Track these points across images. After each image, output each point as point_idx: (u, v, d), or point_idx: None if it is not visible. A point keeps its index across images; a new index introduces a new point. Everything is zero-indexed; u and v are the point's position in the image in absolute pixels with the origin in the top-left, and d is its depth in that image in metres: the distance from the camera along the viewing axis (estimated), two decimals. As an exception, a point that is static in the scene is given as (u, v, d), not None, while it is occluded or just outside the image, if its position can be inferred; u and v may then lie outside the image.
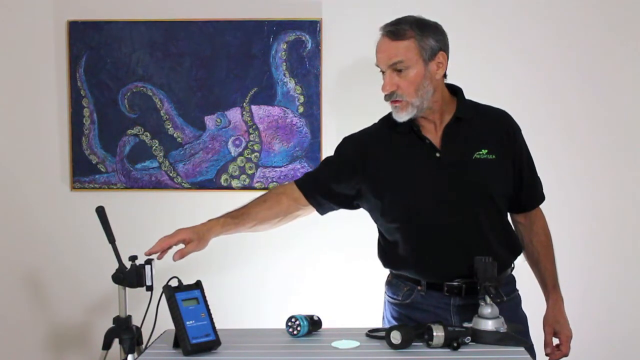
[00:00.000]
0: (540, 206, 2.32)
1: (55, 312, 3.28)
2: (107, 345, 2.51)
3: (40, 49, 3.20)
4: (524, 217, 2.30)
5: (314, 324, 2.06)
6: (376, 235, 2.33)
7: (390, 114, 2.21)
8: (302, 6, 3.12)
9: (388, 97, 2.11)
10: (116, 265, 2.44)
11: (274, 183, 3.16)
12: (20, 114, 3.24)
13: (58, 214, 3.25)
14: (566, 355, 2.25)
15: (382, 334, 1.95)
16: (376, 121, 2.31)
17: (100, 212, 2.46)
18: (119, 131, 3.19)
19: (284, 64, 3.13)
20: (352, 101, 3.15)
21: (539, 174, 2.30)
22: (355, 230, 3.19)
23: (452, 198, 2.11)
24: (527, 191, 2.24)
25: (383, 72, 2.12)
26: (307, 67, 3.13)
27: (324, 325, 2.09)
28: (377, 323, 2.29)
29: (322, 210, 2.29)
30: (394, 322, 2.23)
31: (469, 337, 1.90)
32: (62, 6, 3.17)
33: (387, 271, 2.39)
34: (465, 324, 1.99)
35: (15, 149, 3.25)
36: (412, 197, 2.14)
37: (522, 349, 1.89)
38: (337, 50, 3.13)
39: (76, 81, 3.18)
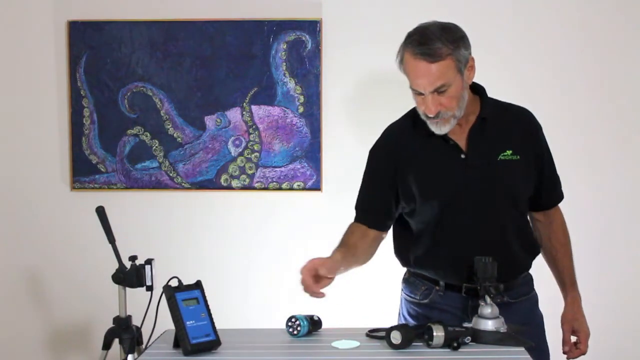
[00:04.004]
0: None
1: (55, 312, 3.28)
2: (107, 345, 2.51)
3: (40, 49, 3.20)
4: (543, 215, 2.28)
5: (314, 324, 2.06)
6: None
7: (409, 114, 2.22)
8: (302, 6, 3.12)
9: (431, 117, 2.05)
10: (116, 265, 2.44)
11: (274, 183, 3.16)
12: (20, 114, 3.24)
13: (58, 214, 3.25)
14: (584, 353, 2.23)
15: (382, 334, 1.95)
16: (397, 119, 2.29)
17: (100, 212, 2.46)
18: (119, 131, 3.19)
19: (284, 64, 3.13)
20: (352, 101, 3.15)
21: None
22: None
23: (476, 199, 2.10)
24: (547, 190, 2.24)
25: (418, 93, 2.06)
26: (307, 67, 3.13)
27: (324, 325, 2.09)
28: (377, 323, 2.28)
29: (387, 230, 2.29)
30: (411, 320, 2.23)
31: (469, 337, 1.90)
32: (62, 6, 3.17)
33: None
34: (465, 324, 1.99)
35: (15, 149, 3.25)
36: (437, 199, 2.13)
37: (522, 349, 1.89)
38: (337, 50, 3.13)
39: (76, 81, 3.18)
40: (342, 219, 3.13)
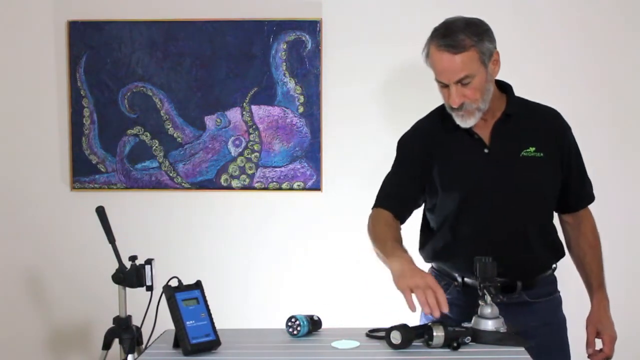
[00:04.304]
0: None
1: (55, 312, 3.28)
2: (107, 345, 2.51)
3: (40, 49, 3.20)
4: (572, 217, 2.28)
5: (314, 324, 2.06)
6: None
7: (436, 111, 2.23)
8: (302, 6, 3.12)
9: (456, 109, 2.07)
10: (116, 265, 2.44)
11: (274, 183, 3.16)
12: (21, 114, 3.24)
13: (58, 214, 3.25)
14: (609, 357, 2.21)
15: (382, 334, 1.95)
16: (425, 115, 2.30)
17: (100, 212, 2.46)
18: (119, 131, 3.19)
19: (284, 64, 3.13)
20: (352, 101, 3.15)
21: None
22: (355, 230, 3.19)
23: (496, 194, 2.12)
24: (576, 191, 2.24)
25: (443, 85, 2.08)
26: (307, 67, 3.13)
27: (324, 325, 2.09)
28: (377, 323, 2.29)
29: (402, 221, 2.25)
30: (432, 318, 2.22)
31: (469, 337, 1.90)
32: (62, 6, 3.17)
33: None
34: (465, 324, 1.99)
35: (15, 149, 3.25)
36: (458, 191, 2.15)
37: (522, 349, 1.89)
38: (337, 50, 3.13)
39: (76, 81, 3.18)
40: (342, 219, 3.16)
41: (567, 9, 3.11)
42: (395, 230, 2.14)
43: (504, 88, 2.20)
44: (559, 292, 2.27)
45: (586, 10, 3.11)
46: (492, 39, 2.08)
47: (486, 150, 2.13)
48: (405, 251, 2.03)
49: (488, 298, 1.95)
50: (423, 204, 2.29)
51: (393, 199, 2.20)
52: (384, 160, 3.13)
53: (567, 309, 2.29)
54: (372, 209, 2.23)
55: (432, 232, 2.26)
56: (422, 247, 2.30)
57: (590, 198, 2.29)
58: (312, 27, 3.11)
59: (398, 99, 3.14)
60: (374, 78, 3.15)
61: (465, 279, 2.17)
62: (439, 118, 2.20)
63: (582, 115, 3.12)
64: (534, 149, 2.13)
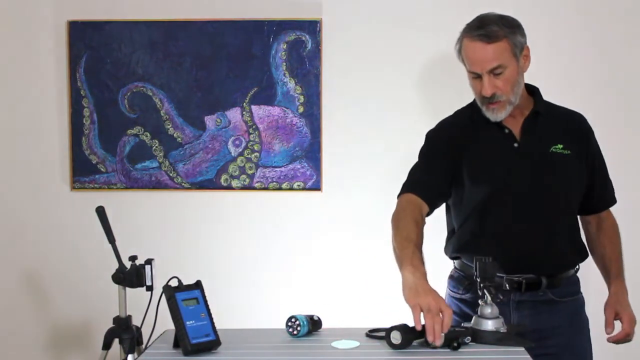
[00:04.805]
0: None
1: (55, 312, 3.28)
2: (107, 345, 2.51)
3: (40, 49, 3.20)
4: (594, 218, 2.32)
5: (314, 324, 2.05)
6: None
7: (464, 108, 2.27)
8: (302, 6, 3.12)
9: (487, 100, 2.10)
10: (116, 265, 2.44)
11: (274, 183, 3.16)
12: (20, 114, 3.24)
13: (58, 214, 3.25)
14: (629, 335, 2.21)
15: (382, 334, 1.95)
16: (451, 114, 2.33)
17: (100, 212, 2.46)
18: (119, 131, 3.19)
19: (284, 64, 3.13)
20: (352, 101, 3.15)
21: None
22: (356, 230, 3.19)
23: (524, 188, 2.14)
24: (599, 192, 2.27)
25: (475, 76, 2.11)
26: (307, 67, 3.13)
27: (324, 325, 2.09)
28: (377, 323, 2.29)
29: (432, 208, 2.23)
30: (455, 318, 2.20)
31: (469, 337, 1.90)
32: (62, 6, 3.17)
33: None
34: (465, 324, 1.99)
35: (15, 149, 3.25)
36: (486, 183, 2.16)
37: (522, 349, 1.89)
38: (337, 50, 3.13)
39: (76, 81, 3.18)
40: (342, 219, 3.16)
41: (567, 9, 3.11)
42: (420, 230, 2.07)
43: (531, 90, 2.24)
44: (582, 293, 2.28)
45: (588, 11, 3.11)
46: (523, 34, 2.13)
47: (516, 145, 2.16)
48: (423, 263, 1.97)
49: (488, 298, 1.95)
50: (449, 199, 2.28)
51: (423, 185, 2.18)
52: (385, 160, 3.15)
53: (587, 311, 2.30)
54: (399, 195, 2.19)
55: (457, 227, 2.27)
56: (447, 242, 2.31)
57: (613, 200, 2.33)
58: (312, 27, 3.11)
59: (398, 99, 3.14)
60: (374, 78, 3.15)
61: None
62: (469, 113, 2.24)
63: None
64: (561, 146, 2.17)
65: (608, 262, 2.30)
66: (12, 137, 3.25)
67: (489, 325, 1.94)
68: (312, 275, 3.21)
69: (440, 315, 1.82)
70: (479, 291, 1.97)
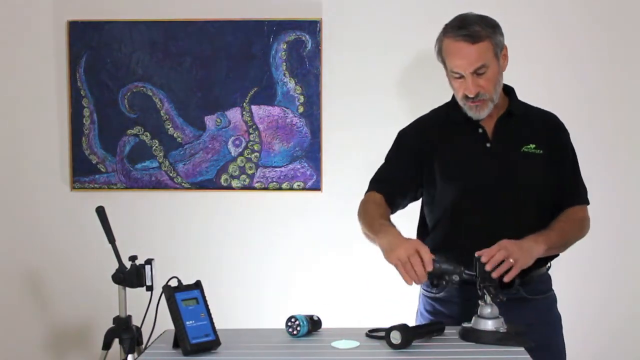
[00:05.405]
0: None
1: (55, 312, 3.29)
2: (107, 345, 2.51)
3: (40, 49, 3.20)
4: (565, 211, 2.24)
5: (314, 324, 2.06)
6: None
7: (441, 107, 2.30)
8: (302, 6, 3.12)
9: (470, 99, 2.12)
10: (116, 265, 2.44)
11: (274, 183, 3.16)
12: (21, 114, 3.24)
13: (58, 214, 3.26)
14: (493, 254, 1.99)
15: (382, 334, 1.95)
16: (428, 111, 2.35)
17: (100, 212, 2.46)
18: (119, 131, 3.19)
19: (284, 64, 3.13)
20: (352, 101, 3.15)
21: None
22: (355, 230, 3.19)
23: (496, 187, 2.15)
24: (571, 193, 2.26)
25: (458, 76, 2.13)
26: (307, 67, 3.13)
27: (324, 325, 2.09)
28: (377, 323, 2.29)
29: (395, 210, 2.27)
30: (428, 316, 2.26)
31: (456, 276, 1.92)
32: (62, 6, 3.18)
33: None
34: (465, 324, 1.99)
35: (15, 149, 3.25)
36: (458, 182, 2.18)
37: (522, 349, 1.89)
38: (337, 50, 3.13)
39: (76, 81, 3.18)
40: (342, 219, 3.15)
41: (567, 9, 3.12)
42: (385, 210, 2.18)
43: (506, 90, 2.26)
44: (553, 290, 2.29)
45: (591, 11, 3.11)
46: (502, 33, 2.15)
47: (488, 144, 2.19)
48: (394, 226, 2.07)
49: (488, 298, 1.95)
50: (420, 199, 2.31)
51: (384, 183, 2.26)
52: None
53: (559, 308, 2.31)
54: (365, 193, 2.29)
55: (430, 227, 2.28)
56: (422, 240, 2.30)
57: (585, 200, 2.29)
58: (312, 27, 3.11)
59: (398, 98, 3.13)
60: (374, 78, 3.15)
61: (463, 274, 2.17)
62: (445, 112, 2.27)
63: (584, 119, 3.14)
64: (534, 146, 2.18)
65: (550, 226, 2.17)
66: (12, 137, 3.25)
67: (489, 325, 1.94)
68: (312, 275, 3.21)
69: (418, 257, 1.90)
70: (478, 291, 1.97)
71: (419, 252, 1.92)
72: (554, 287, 2.30)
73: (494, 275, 1.98)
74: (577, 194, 2.29)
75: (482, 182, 2.17)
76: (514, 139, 2.19)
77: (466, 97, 2.13)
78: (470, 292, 2.13)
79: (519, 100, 2.27)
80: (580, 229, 2.27)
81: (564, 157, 2.25)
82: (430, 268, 1.91)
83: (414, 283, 1.94)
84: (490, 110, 2.16)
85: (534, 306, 2.16)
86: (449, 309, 2.21)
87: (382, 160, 2.34)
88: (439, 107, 2.33)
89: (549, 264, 2.27)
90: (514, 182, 2.16)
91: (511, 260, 1.97)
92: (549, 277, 2.29)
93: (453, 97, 2.27)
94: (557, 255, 2.27)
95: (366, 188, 2.33)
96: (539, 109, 2.31)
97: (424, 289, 2.32)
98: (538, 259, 2.18)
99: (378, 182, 2.27)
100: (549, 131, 2.24)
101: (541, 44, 3.10)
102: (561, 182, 2.23)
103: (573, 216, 2.25)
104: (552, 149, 2.20)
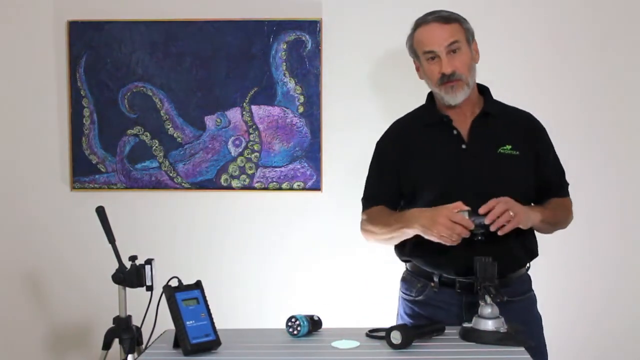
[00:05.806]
0: None
1: (55, 312, 3.28)
2: (107, 345, 2.51)
3: (40, 49, 3.20)
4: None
5: (314, 324, 2.06)
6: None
7: (416, 110, 2.34)
8: (302, 6, 3.12)
9: (446, 78, 2.15)
10: (116, 265, 2.44)
11: (274, 183, 3.16)
12: (21, 114, 3.24)
13: (58, 214, 3.25)
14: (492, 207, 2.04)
15: (382, 334, 1.95)
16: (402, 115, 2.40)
17: (100, 212, 2.46)
18: (119, 131, 3.19)
19: (284, 64, 3.13)
20: (352, 101, 3.15)
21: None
22: (355, 230, 3.19)
23: (472, 189, 2.14)
24: (555, 188, 2.28)
25: (432, 56, 2.18)
26: (307, 67, 3.13)
27: (324, 325, 2.10)
28: (377, 323, 2.29)
29: None
30: (407, 319, 2.26)
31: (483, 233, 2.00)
32: (62, 6, 3.17)
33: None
34: (465, 324, 1.99)
35: (15, 149, 3.25)
36: (435, 185, 2.19)
37: (522, 349, 1.89)
38: (337, 50, 3.13)
39: (76, 81, 3.18)
40: (342, 219, 3.16)
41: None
42: (389, 210, 2.26)
43: (482, 90, 2.28)
44: (533, 291, 2.30)
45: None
46: (471, 28, 2.23)
47: (464, 146, 2.19)
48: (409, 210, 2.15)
49: (488, 298, 1.96)
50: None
51: (375, 199, 2.31)
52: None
53: (540, 310, 2.32)
54: (363, 211, 2.33)
55: None
56: (399, 245, 2.31)
57: (566, 192, 2.33)
58: (312, 27, 3.11)
59: (398, 99, 3.13)
60: (374, 78, 3.15)
61: (442, 277, 2.18)
62: (419, 116, 2.30)
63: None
64: (510, 147, 2.19)
65: (541, 205, 2.22)
66: (12, 137, 3.25)
67: (489, 325, 1.94)
68: (312, 275, 3.21)
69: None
70: (478, 291, 1.98)
71: (452, 219, 2.00)
72: (533, 288, 2.30)
73: (492, 228, 2.02)
74: (561, 187, 2.32)
75: (459, 186, 2.16)
76: (490, 140, 2.19)
77: (442, 79, 2.15)
78: (447, 295, 2.15)
79: (495, 100, 2.27)
80: (567, 215, 2.31)
81: (546, 155, 2.25)
82: (471, 226, 2.01)
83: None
84: (466, 95, 2.17)
85: (514, 307, 2.14)
86: (427, 311, 2.21)
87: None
88: (415, 110, 2.36)
89: (528, 265, 2.27)
90: (491, 184, 2.15)
91: (511, 214, 2.01)
92: (529, 278, 2.29)
93: (427, 98, 2.29)
94: (536, 256, 2.27)
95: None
96: (515, 108, 2.30)
97: (403, 292, 2.32)
98: (517, 259, 2.19)
99: (370, 200, 2.33)
100: (524, 132, 2.24)
101: (538, 44, 3.10)
102: (547, 179, 2.24)
103: (561, 203, 2.29)
104: (529, 150, 2.20)
